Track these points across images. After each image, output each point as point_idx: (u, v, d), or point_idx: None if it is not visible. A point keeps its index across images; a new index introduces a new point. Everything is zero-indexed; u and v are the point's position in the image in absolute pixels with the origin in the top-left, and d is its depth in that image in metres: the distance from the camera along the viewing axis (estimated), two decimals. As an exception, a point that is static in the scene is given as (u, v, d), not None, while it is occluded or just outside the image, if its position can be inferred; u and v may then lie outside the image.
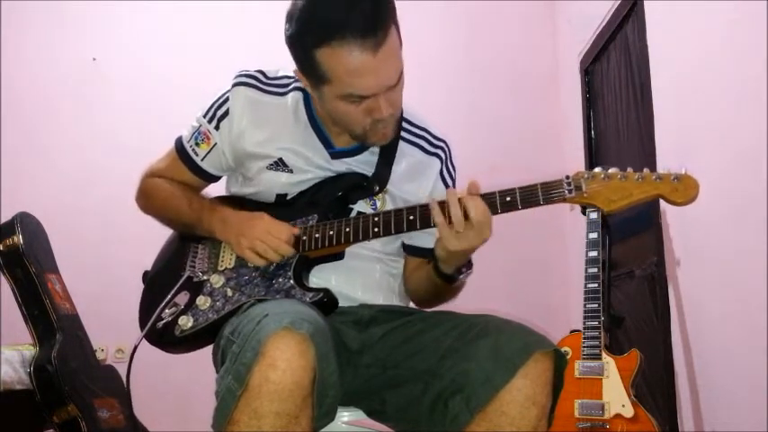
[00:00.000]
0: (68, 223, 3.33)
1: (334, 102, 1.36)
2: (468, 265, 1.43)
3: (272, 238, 1.39)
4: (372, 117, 1.36)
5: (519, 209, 1.29)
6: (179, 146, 1.58)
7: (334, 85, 1.32)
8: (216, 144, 1.53)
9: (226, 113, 1.50)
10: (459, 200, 1.29)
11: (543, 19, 3.98)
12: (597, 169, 1.29)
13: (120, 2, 3.78)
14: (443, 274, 1.42)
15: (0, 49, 3.67)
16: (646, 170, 1.26)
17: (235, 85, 1.51)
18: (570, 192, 1.28)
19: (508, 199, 1.29)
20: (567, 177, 1.29)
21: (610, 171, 1.27)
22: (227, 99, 1.51)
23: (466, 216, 1.28)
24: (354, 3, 1.25)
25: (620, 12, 3.06)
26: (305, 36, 1.30)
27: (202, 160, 1.55)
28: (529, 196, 1.29)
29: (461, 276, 1.43)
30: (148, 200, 1.61)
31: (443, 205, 1.31)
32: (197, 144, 1.55)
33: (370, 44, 1.25)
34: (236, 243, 1.42)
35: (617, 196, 1.26)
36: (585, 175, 1.28)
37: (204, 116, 1.53)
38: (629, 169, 1.27)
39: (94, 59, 3.77)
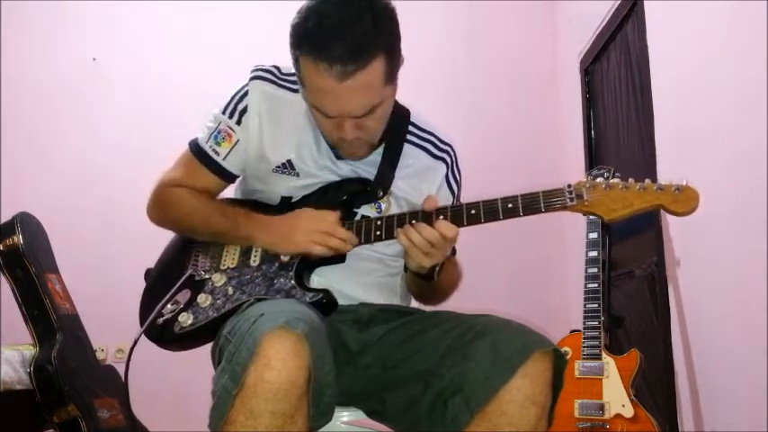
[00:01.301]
0: (68, 223, 3.33)
1: (310, 106, 1.39)
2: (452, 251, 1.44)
3: (324, 224, 1.39)
4: (338, 134, 1.38)
5: (521, 215, 1.30)
6: (196, 148, 1.53)
7: (307, 92, 1.34)
8: (238, 141, 1.50)
9: (246, 108, 1.49)
10: (417, 226, 1.32)
11: (543, 19, 3.98)
12: (599, 179, 1.30)
13: (120, 2, 3.78)
14: (422, 276, 1.43)
15: (0, 49, 3.67)
16: (647, 180, 1.27)
17: (252, 79, 1.50)
18: (572, 200, 1.28)
19: (510, 206, 1.30)
20: (569, 186, 1.29)
21: (611, 181, 1.29)
22: (246, 93, 1.49)
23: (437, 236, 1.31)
24: (343, 28, 1.25)
25: (620, 12, 3.06)
26: (295, 39, 1.31)
27: (224, 159, 1.51)
28: (530, 203, 1.30)
29: (438, 271, 1.43)
30: (168, 211, 1.54)
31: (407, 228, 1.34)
32: (217, 143, 1.51)
33: (337, 72, 1.25)
34: (284, 242, 1.41)
35: (618, 206, 1.27)
36: (587, 184, 1.29)
37: (223, 113, 1.50)
38: (631, 179, 1.28)
39: (94, 59, 3.77)
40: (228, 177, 1.55)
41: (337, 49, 1.24)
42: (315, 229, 1.39)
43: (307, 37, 1.27)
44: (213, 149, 1.51)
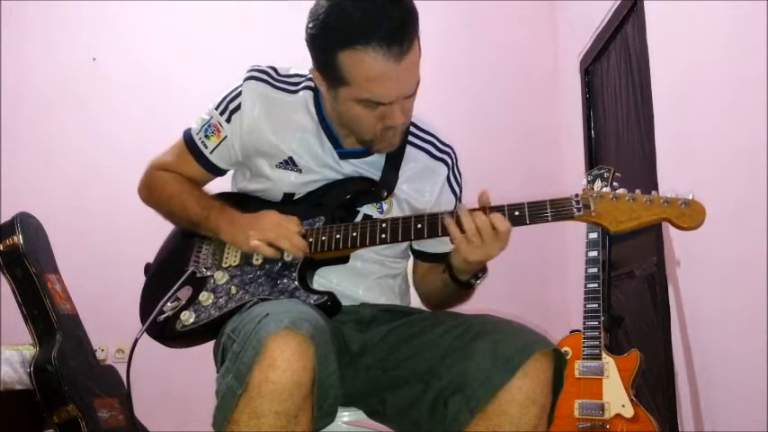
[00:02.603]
0: (68, 223, 3.33)
1: (348, 104, 1.36)
2: (484, 269, 1.43)
3: (282, 228, 1.39)
4: (384, 123, 1.37)
5: (527, 224, 1.30)
6: (188, 138, 1.57)
7: (352, 88, 1.32)
8: (226, 137, 1.52)
9: (238, 107, 1.49)
10: (472, 212, 1.30)
11: (543, 19, 3.98)
12: (605, 188, 1.30)
13: (119, 2, 3.78)
14: (460, 281, 1.42)
15: (0, 49, 3.67)
16: (654, 192, 1.27)
17: (247, 79, 1.50)
18: (579, 210, 1.28)
19: (517, 213, 1.31)
20: (576, 195, 1.29)
21: (618, 191, 1.28)
22: (239, 93, 1.50)
23: (478, 227, 1.29)
24: (384, 10, 1.26)
25: (620, 12, 3.06)
26: (329, 36, 1.30)
27: (211, 153, 1.54)
28: (537, 212, 1.30)
29: (478, 282, 1.44)
30: (153, 192, 1.59)
31: (454, 217, 1.32)
32: (206, 136, 1.53)
33: (395, 53, 1.26)
34: (245, 239, 1.41)
35: (624, 217, 1.27)
36: (594, 194, 1.28)
37: (216, 108, 1.52)
38: (638, 190, 1.28)
39: (94, 59, 3.77)
40: (214, 170, 1.58)
41: (390, 30, 1.25)
42: (271, 229, 1.39)
43: (351, 30, 1.27)
44: (202, 142, 1.55)
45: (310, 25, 1.33)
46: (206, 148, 1.54)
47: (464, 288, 1.44)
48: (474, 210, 1.32)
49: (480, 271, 1.42)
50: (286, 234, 1.39)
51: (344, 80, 1.32)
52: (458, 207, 1.35)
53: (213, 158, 1.55)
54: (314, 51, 1.35)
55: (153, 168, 1.61)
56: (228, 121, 1.51)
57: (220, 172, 1.60)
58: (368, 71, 1.28)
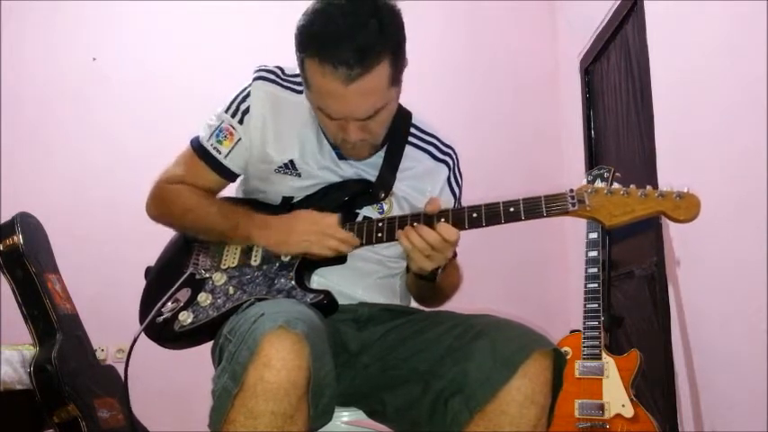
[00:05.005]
0: (68, 223, 3.33)
1: (314, 107, 1.39)
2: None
3: (322, 229, 1.39)
4: (342, 135, 1.38)
5: (522, 220, 1.30)
6: (197, 146, 1.54)
7: (312, 94, 1.34)
8: (240, 139, 1.51)
9: (249, 108, 1.49)
10: (418, 226, 1.32)
11: (543, 19, 3.98)
12: (600, 183, 1.31)
13: (120, 2, 3.78)
14: (424, 277, 1.44)
15: (0, 49, 3.67)
16: (649, 187, 1.27)
17: (255, 79, 1.50)
18: (573, 205, 1.29)
19: (512, 210, 1.31)
20: (571, 191, 1.30)
21: (613, 186, 1.29)
22: (248, 93, 1.50)
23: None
24: (349, 31, 1.25)
25: (620, 12, 3.06)
26: (299, 41, 1.31)
27: (226, 157, 1.52)
28: (532, 208, 1.30)
29: (440, 272, 1.43)
30: (168, 207, 1.54)
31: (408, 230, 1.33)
32: (219, 142, 1.52)
33: (341, 75, 1.25)
34: (285, 242, 1.41)
35: (619, 211, 1.27)
36: (589, 189, 1.29)
37: (226, 111, 1.51)
38: (632, 185, 1.28)
39: (94, 59, 3.77)
40: (229, 176, 1.56)
41: (343, 52, 1.24)
42: (312, 231, 1.40)
43: (312, 39, 1.28)
44: (215, 147, 1.52)
45: (297, 24, 1.33)
46: (219, 153, 1.52)
47: (430, 281, 1.45)
48: (417, 224, 1.34)
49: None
50: (330, 232, 1.39)
51: (308, 85, 1.34)
52: (407, 225, 1.36)
53: (228, 163, 1.53)
54: (295, 50, 1.36)
55: (163, 182, 1.57)
56: (241, 122, 1.50)
57: (233, 178, 1.57)
58: (318, 83, 1.29)
